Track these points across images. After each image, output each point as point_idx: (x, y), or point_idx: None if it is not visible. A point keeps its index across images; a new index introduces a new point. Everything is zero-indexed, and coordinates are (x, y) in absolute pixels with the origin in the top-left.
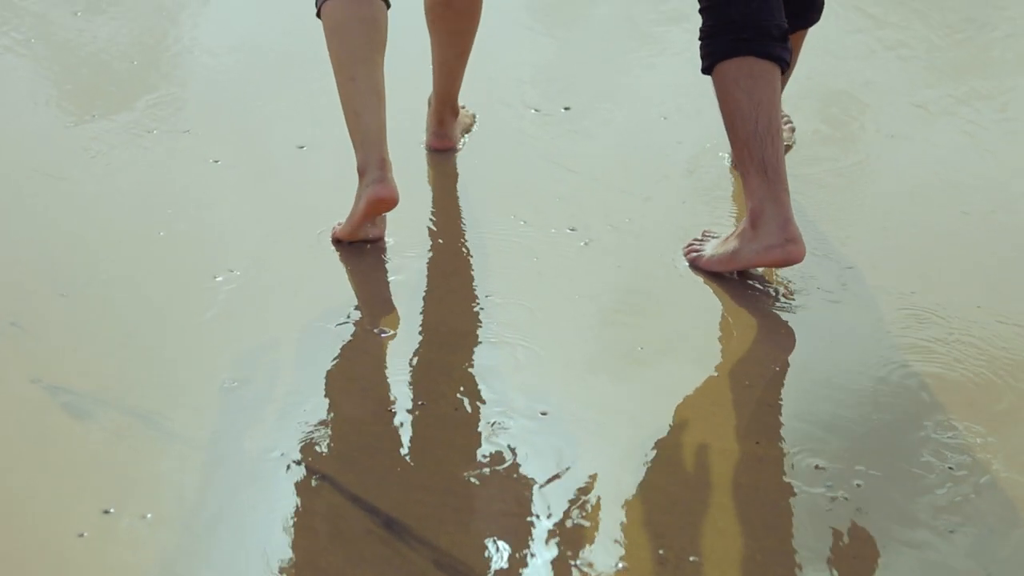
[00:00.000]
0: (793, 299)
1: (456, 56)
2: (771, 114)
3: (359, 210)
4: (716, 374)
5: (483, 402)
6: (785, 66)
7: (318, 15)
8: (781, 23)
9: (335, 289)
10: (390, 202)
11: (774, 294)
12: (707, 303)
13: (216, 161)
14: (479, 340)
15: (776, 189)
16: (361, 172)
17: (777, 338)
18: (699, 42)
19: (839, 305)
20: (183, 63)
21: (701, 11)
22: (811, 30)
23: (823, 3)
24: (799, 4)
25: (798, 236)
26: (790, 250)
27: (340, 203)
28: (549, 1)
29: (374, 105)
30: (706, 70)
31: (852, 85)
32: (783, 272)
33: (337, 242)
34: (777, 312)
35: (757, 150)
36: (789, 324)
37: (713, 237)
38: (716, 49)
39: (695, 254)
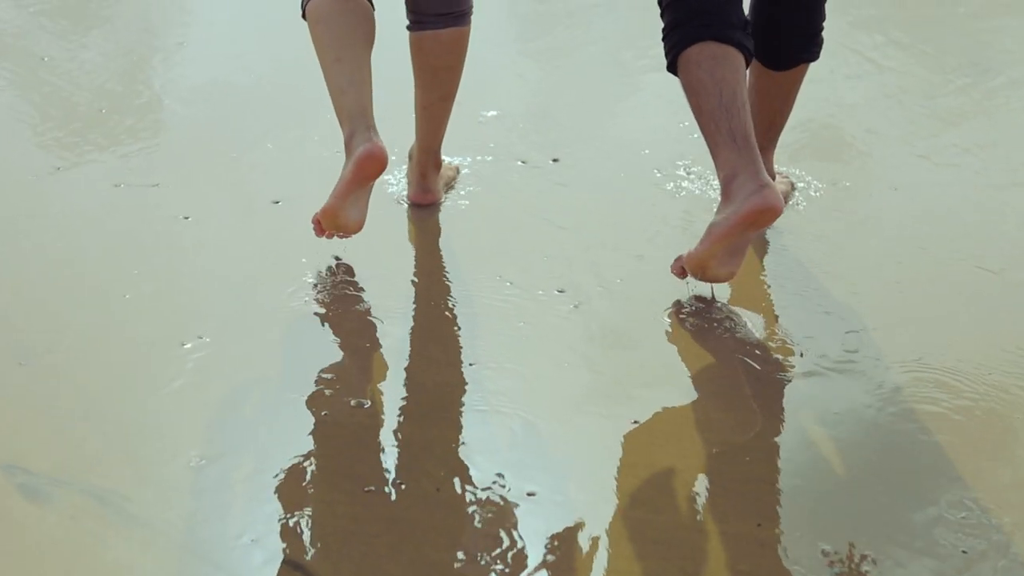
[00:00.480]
0: (794, 367)
1: (441, 99)
2: (735, 89)
3: (347, 173)
4: (715, 450)
5: (467, 481)
6: (748, 54)
7: (304, 16)
8: (741, 15)
9: (311, 357)
10: (380, 160)
11: (775, 361)
12: (705, 372)
13: (187, 217)
14: (463, 412)
15: (747, 157)
16: (348, 142)
17: (778, 409)
18: (662, 42)
19: (844, 370)
20: (154, 111)
21: (663, 13)
22: (810, 73)
23: (822, 40)
24: (797, 37)
25: (772, 183)
26: (766, 194)
27: (319, 262)
28: (536, 46)
29: (360, 81)
30: (670, 65)
31: (853, 134)
32: (785, 331)
33: (318, 228)
34: (779, 379)
35: (724, 121)
36: (791, 393)
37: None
38: (678, 41)
39: (679, 264)
